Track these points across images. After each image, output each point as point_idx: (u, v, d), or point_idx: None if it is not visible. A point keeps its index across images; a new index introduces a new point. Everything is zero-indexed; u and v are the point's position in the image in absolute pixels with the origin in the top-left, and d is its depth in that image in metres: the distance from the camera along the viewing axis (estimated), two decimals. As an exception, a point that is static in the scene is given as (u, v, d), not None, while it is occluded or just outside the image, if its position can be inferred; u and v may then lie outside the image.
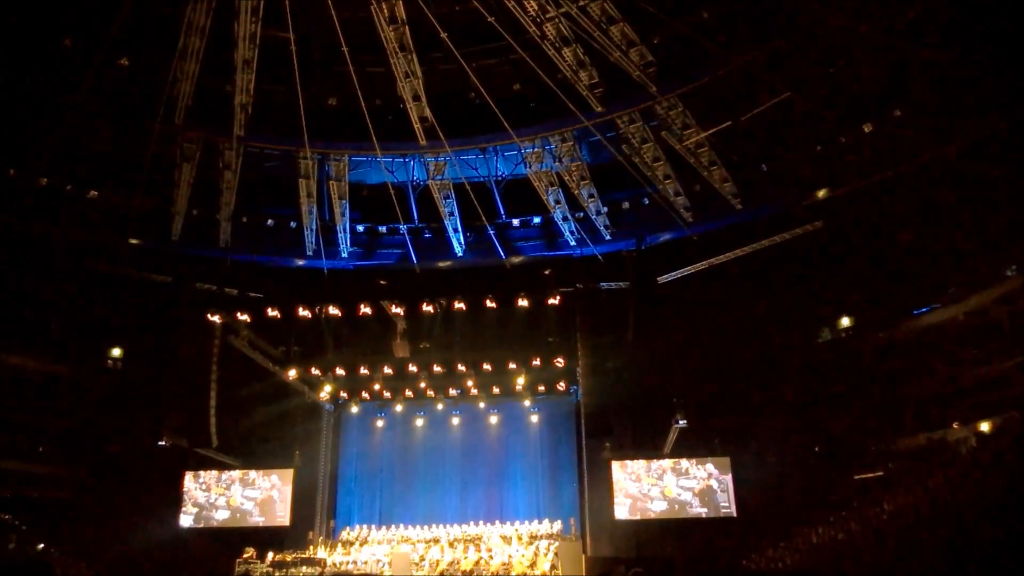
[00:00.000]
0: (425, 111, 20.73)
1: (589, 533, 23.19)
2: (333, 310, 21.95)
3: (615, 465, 23.14)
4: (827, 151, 21.69)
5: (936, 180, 20.80)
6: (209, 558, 22.93)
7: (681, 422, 21.24)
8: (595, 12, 18.03)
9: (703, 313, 24.41)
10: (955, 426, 21.23)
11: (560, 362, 23.68)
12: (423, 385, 25.94)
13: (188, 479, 24.67)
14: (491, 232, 24.85)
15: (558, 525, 23.45)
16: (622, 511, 22.72)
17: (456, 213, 24.24)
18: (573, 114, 20.97)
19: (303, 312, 21.95)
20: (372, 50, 20.39)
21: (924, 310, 23.01)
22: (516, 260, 25.34)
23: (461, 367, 24.46)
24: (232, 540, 23.13)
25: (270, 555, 21.95)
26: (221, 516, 24.48)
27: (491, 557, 21.58)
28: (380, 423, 28.00)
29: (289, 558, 21.73)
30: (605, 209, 23.77)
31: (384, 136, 22.38)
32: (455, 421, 27.35)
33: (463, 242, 24.83)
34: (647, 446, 23.48)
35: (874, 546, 16.34)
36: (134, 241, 24.37)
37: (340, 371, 24.67)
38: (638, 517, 22.70)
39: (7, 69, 20.23)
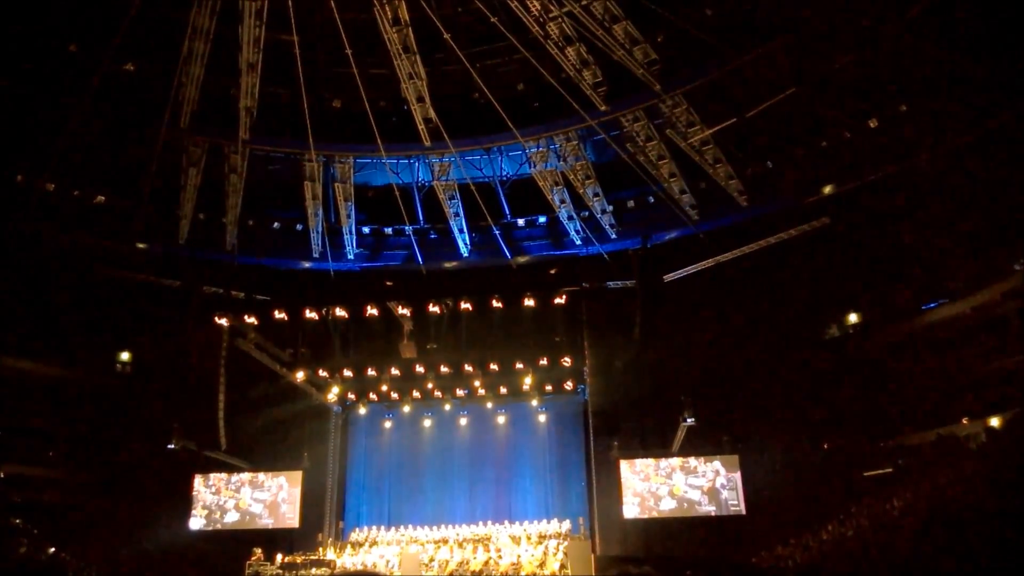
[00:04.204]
0: (429, 112, 20.75)
1: (598, 532, 23.17)
2: (340, 312, 21.97)
3: (623, 464, 23.12)
4: (833, 147, 21.65)
5: (942, 174, 20.73)
6: (219, 561, 23.00)
7: (689, 420, 21.20)
8: (598, 11, 18.02)
9: (710, 311, 24.39)
10: (964, 421, 21.16)
11: (567, 361, 23.65)
12: (430, 386, 25.95)
13: (197, 482, 24.75)
14: (496, 232, 24.87)
15: (567, 524, 23.43)
16: (631, 510, 22.71)
17: (461, 213, 24.26)
18: (577, 113, 20.97)
19: (310, 314, 21.98)
20: (376, 52, 20.43)
21: (932, 305, 22.94)
22: (522, 260, 25.36)
23: (468, 367, 24.44)
24: (242, 542, 23.17)
25: (280, 557, 22.00)
26: (231, 518, 24.54)
27: (500, 557, 21.58)
28: (388, 424, 28.03)
29: (299, 560, 21.78)
30: (610, 208, 23.78)
31: (389, 138, 22.43)
32: (463, 421, 27.36)
33: (469, 242, 24.86)
34: (655, 445, 23.48)
35: (884, 543, 16.28)
36: (141, 245, 24.46)
37: (347, 372, 24.67)
38: (647, 516, 22.68)
39: (13, 75, 20.34)
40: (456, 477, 26.91)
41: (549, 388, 25.93)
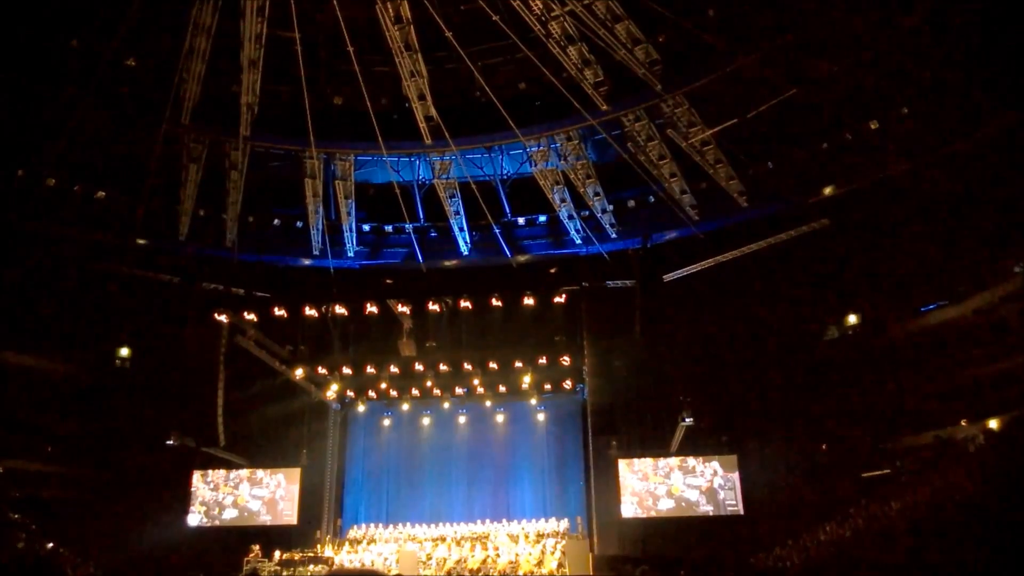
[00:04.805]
0: (430, 110, 20.73)
1: (596, 531, 23.20)
2: (339, 309, 22.02)
3: (622, 463, 23.16)
4: (833, 148, 21.64)
5: (943, 177, 20.73)
6: (217, 557, 23.02)
7: (688, 420, 21.24)
8: (600, 10, 18.00)
9: (709, 311, 24.40)
10: (963, 423, 21.16)
11: (566, 360, 23.68)
12: (429, 384, 25.98)
13: (196, 478, 24.79)
14: (497, 231, 24.85)
15: (565, 523, 23.48)
16: (629, 509, 22.74)
17: (462, 212, 24.25)
18: (578, 112, 20.94)
19: (310, 311, 22.02)
20: (377, 49, 20.41)
21: (931, 307, 22.93)
22: (522, 259, 25.35)
23: (467, 366, 24.48)
24: (240, 539, 23.21)
25: (278, 553, 22.03)
26: (229, 515, 24.58)
27: (498, 555, 21.61)
28: (387, 422, 28.06)
29: (297, 556, 21.82)
30: (611, 207, 23.76)
31: (390, 135, 22.38)
32: (461, 420, 27.39)
33: (469, 241, 24.85)
34: (654, 444, 23.51)
35: (882, 544, 16.31)
36: (141, 241, 24.43)
37: (347, 370, 24.72)
38: (645, 515, 22.72)
39: (14, 70, 20.31)
40: (454, 475, 26.95)
41: (548, 387, 25.97)
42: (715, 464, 22.74)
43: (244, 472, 24.96)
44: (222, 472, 24.91)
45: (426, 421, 27.67)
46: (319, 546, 23.47)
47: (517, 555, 21.50)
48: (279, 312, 22.14)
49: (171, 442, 22.81)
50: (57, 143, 21.79)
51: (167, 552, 23.42)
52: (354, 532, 24.77)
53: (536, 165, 23.15)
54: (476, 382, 25.66)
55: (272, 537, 23.56)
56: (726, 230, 23.69)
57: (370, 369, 24.75)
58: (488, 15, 19.15)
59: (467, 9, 20.33)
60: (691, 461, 22.92)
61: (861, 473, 22.52)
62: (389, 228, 25.72)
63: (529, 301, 21.86)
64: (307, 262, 25.61)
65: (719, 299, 24.26)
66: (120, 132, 22.40)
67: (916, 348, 22.93)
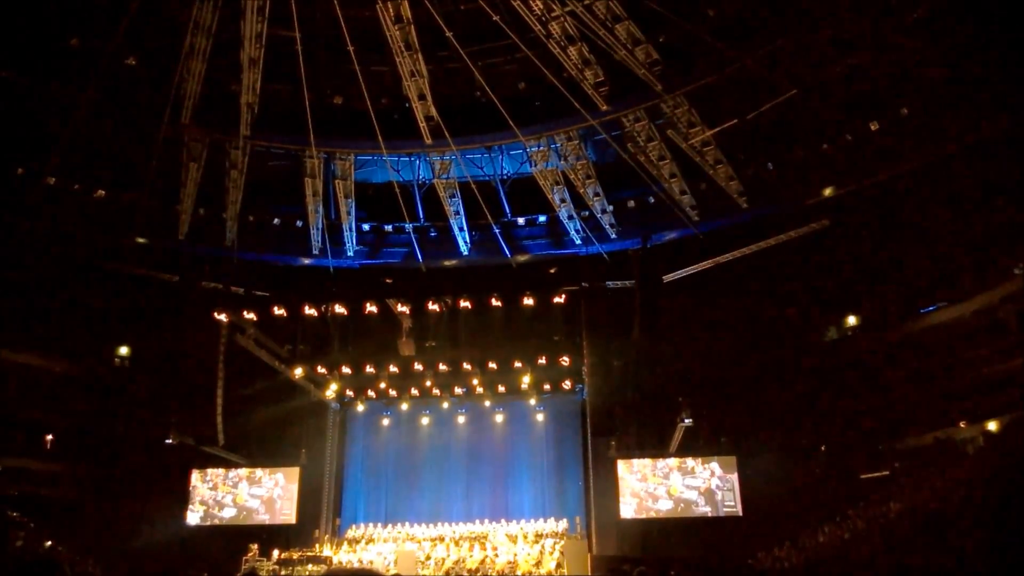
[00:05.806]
0: (431, 110, 20.72)
1: (595, 532, 23.17)
2: (339, 309, 22.00)
3: (621, 464, 23.14)
4: (834, 149, 21.65)
5: (942, 178, 20.74)
6: (216, 555, 23.02)
7: (687, 421, 21.21)
8: (601, 11, 18.00)
9: (709, 312, 24.38)
10: (962, 425, 21.17)
11: (565, 361, 23.66)
12: (429, 383, 25.95)
13: (195, 477, 24.78)
14: (496, 231, 24.85)
15: (563, 524, 23.45)
16: (628, 510, 22.72)
17: (462, 212, 24.25)
18: (579, 113, 20.96)
19: (309, 311, 21.99)
20: (378, 49, 20.41)
21: (931, 309, 22.94)
22: (522, 259, 25.36)
23: (467, 365, 24.45)
24: (239, 538, 23.20)
25: (276, 552, 22.02)
26: (228, 514, 24.57)
27: (496, 555, 21.59)
28: (386, 421, 28.03)
29: (295, 556, 21.80)
30: (610, 208, 23.77)
31: (390, 135, 22.41)
32: (460, 419, 27.36)
33: (469, 241, 24.85)
34: (653, 445, 23.49)
35: (880, 545, 16.31)
36: (141, 240, 24.46)
37: (346, 369, 24.69)
38: (644, 516, 22.70)
39: (15, 69, 20.31)
40: (453, 475, 26.90)
41: (547, 387, 25.93)
42: (714, 465, 22.73)
43: (243, 471, 24.96)
44: (221, 471, 24.91)
45: (425, 421, 27.64)
46: (317, 545, 23.46)
47: (515, 555, 21.49)
48: (278, 311, 22.12)
49: (170, 441, 22.79)
50: (58, 141, 21.80)
51: (166, 550, 23.41)
52: (352, 531, 24.74)
53: (536, 165, 23.15)
54: (475, 382, 25.63)
55: (271, 536, 23.56)
56: (726, 230, 23.69)
57: (369, 368, 24.72)
58: (489, 15, 19.15)
59: (468, 9, 20.33)
60: (690, 462, 22.91)
61: (860, 474, 22.52)
62: (389, 228, 25.72)
63: (529, 301, 21.83)
64: (307, 261, 25.61)
65: (718, 300, 24.24)
66: (120, 131, 22.42)
67: (915, 349, 22.93)
